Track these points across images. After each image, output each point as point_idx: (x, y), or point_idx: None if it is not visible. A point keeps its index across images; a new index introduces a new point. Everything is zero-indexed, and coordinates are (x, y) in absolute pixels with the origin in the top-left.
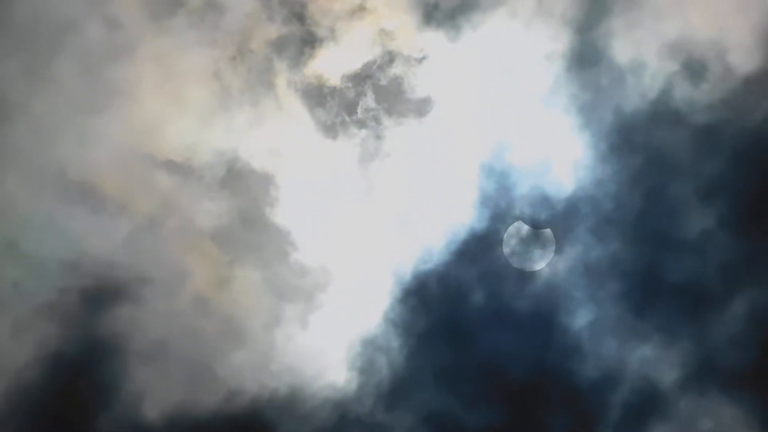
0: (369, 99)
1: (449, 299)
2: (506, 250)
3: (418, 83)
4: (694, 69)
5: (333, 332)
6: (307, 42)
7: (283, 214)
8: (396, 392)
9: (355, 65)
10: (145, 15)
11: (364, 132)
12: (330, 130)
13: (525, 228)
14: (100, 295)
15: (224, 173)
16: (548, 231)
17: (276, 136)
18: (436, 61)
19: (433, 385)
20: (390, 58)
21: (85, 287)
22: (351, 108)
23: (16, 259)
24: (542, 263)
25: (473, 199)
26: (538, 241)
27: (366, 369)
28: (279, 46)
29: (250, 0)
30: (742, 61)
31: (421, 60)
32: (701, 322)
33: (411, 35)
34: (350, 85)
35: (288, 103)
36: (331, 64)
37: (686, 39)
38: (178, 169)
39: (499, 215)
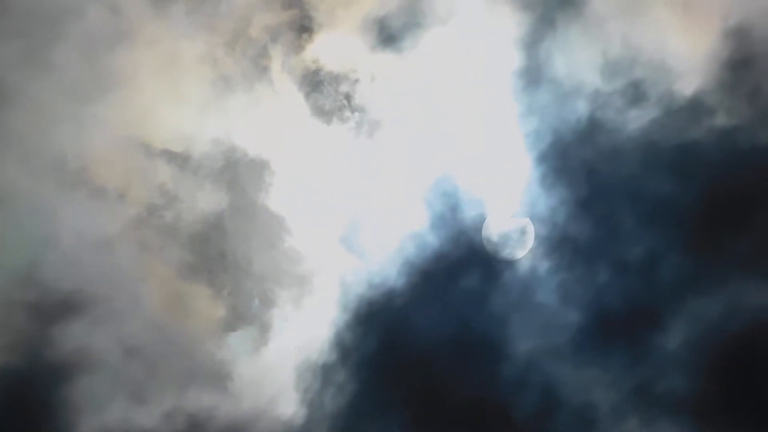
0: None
1: (398, 325)
2: (456, 273)
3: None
4: (637, 89)
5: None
6: (305, 28)
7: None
8: (344, 420)
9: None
10: (144, 2)
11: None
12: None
13: (476, 252)
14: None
15: (222, 164)
16: (498, 254)
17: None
18: (387, 79)
19: (379, 413)
20: None
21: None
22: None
23: None
24: (492, 287)
25: (423, 222)
26: (487, 265)
27: (315, 400)
28: (276, 32)
29: None
30: (685, 80)
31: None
32: (643, 347)
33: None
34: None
35: (284, 89)
36: (328, 50)
37: (629, 59)
38: (175, 158)
39: (449, 239)
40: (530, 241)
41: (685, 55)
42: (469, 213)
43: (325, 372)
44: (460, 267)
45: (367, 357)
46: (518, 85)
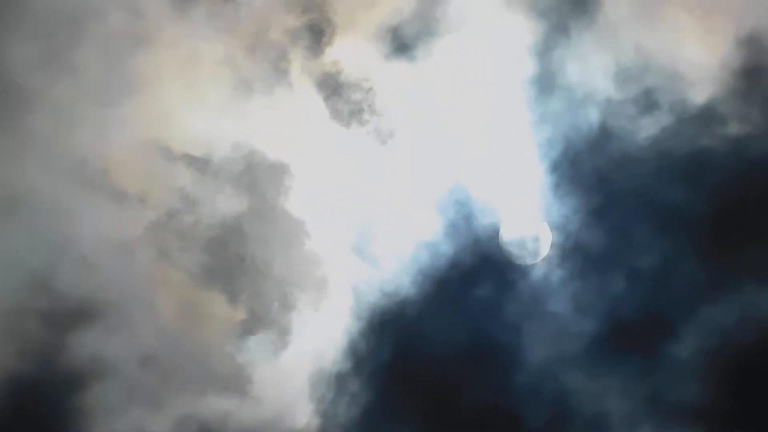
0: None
1: (411, 333)
2: (469, 281)
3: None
4: (650, 97)
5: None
6: (324, 32)
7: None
8: (358, 429)
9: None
10: (165, 4)
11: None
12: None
13: (489, 260)
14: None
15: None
16: (511, 262)
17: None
18: (401, 87)
19: (392, 422)
20: None
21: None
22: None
23: None
24: (505, 295)
25: (436, 231)
26: (500, 273)
27: (328, 409)
28: (296, 35)
29: None
30: (698, 88)
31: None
32: (656, 355)
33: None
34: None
35: (303, 92)
36: (345, 55)
37: (642, 66)
38: (195, 162)
39: (462, 247)
40: (544, 249)
41: (698, 62)
42: (482, 221)
43: (339, 381)
44: (473, 275)
45: (380, 365)
46: (531, 92)
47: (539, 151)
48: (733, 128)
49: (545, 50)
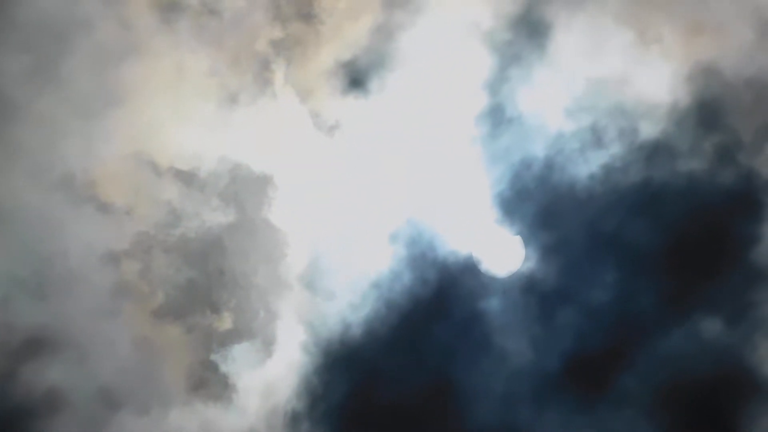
0: None
1: (365, 370)
2: (422, 317)
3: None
4: (601, 130)
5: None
6: (312, 43)
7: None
8: None
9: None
10: (153, 17)
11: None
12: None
13: (444, 295)
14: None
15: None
16: (467, 296)
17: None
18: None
19: None
20: None
21: None
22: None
23: None
24: (460, 330)
25: (388, 266)
26: (457, 307)
27: None
28: (280, 46)
29: (254, 4)
30: (649, 122)
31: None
32: (609, 390)
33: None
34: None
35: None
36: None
37: (593, 100)
38: (181, 175)
39: (412, 284)
40: (498, 283)
41: (649, 96)
42: (435, 256)
43: (293, 421)
44: (426, 311)
45: (335, 404)
46: (483, 126)
47: (491, 185)
48: (685, 163)
49: (497, 84)
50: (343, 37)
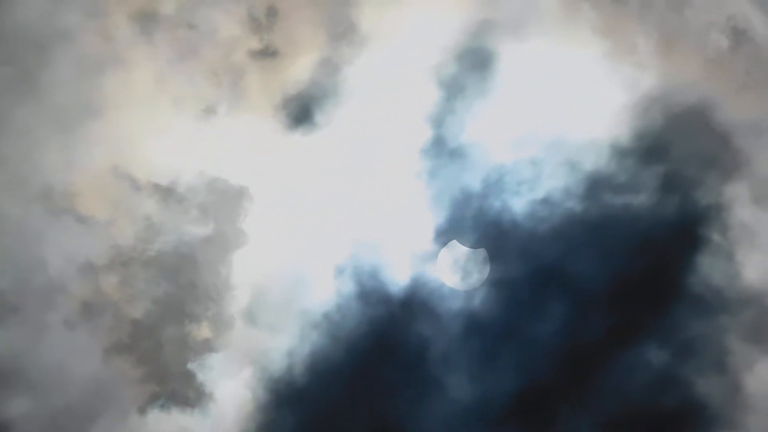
0: None
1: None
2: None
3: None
4: (543, 163)
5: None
6: (286, 55)
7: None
8: None
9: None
10: (132, 29)
11: None
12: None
13: (390, 328)
14: None
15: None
16: (414, 332)
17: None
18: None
19: None
20: None
21: None
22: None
23: None
24: (405, 363)
25: (331, 298)
26: (403, 340)
27: None
28: (256, 57)
29: (231, 18)
30: (590, 155)
31: None
32: (556, 425)
33: None
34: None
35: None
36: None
37: (535, 133)
38: (159, 189)
39: (356, 318)
40: (442, 318)
41: (590, 129)
42: (382, 288)
43: None
44: (370, 346)
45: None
46: (426, 158)
47: (434, 217)
48: (626, 195)
49: (441, 117)
50: (290, 72)
